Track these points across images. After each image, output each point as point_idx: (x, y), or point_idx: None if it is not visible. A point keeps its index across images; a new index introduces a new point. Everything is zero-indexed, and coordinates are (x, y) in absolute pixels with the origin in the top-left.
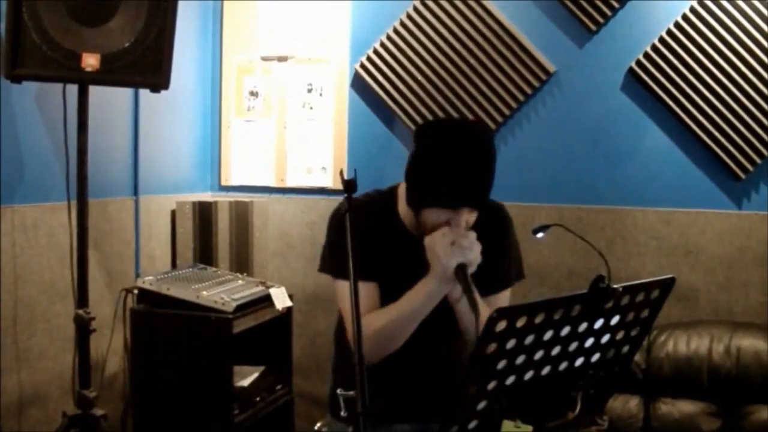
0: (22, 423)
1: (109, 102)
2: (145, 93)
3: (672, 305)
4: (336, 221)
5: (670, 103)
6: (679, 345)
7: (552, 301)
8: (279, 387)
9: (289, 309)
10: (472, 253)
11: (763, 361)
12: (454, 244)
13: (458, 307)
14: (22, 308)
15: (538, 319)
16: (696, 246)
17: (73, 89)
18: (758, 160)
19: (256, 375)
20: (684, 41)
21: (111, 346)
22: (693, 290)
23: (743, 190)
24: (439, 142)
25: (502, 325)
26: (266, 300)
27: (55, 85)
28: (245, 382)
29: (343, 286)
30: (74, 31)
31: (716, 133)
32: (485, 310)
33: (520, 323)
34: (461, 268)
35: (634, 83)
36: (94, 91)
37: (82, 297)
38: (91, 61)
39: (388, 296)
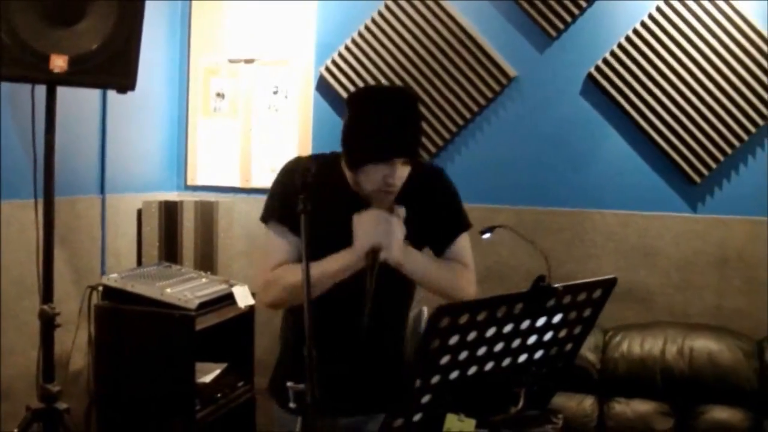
0: None
1: (78, 102)
2: (113, 93)
3: (628, 306)
4: (280, 171)
5: (628, 108)
6: (634, 346)
7: (494, 299)
8: (241, 384)
9: (252, 307)
10: (391, 237)
11: (716, 362)
12: (377, 226)
13: (412, 277)
14: None
15: (481, 317)
16: (653, 248)
17: (41, 89)
18: (713, 165)
19: (218, 372)
20: (642, 47)
21: (76, 342)
22: (649, 292)
23: (699, 194)
24: (366, 103)
25: (445, 322)
26: (230, 298)
27: (24, 84)
28: (207, 379)
29: (268, 232)
30: (44, 32)
31: (673, 138)
32: (450, 272)
33: (462, 320)
34: (374, 252)
35: (593, 88)
36: (63, 90)
37: (47, 292)
38: (59, 63)
39: (327, 251)
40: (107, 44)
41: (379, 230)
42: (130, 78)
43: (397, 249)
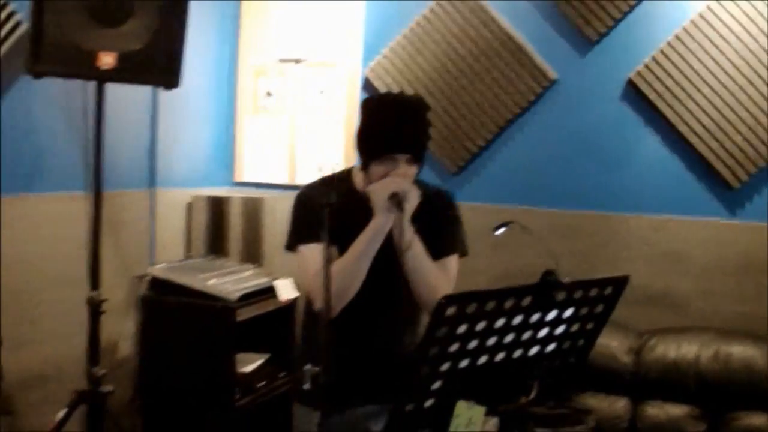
0: (38, 398)
1: (129, 98)
2: (163, 90)
3: (662, 311)
4: (296, 200)
5: (667, 113)
6: (668, 350)
7: (502, 290)
8: (282, 375)
9: (294, 300)
10: (405, 184)
11: (751, 368)
12: (392, 182)
13: (407, 264)
14: (41, 292)
15: (489, 307)
16: (686, 254)
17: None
18: (752, 170)
19: (259, 362)
20: (683, 53)
21: (123, 331)
22: (683, 297)
23: (736, 199)
24: (377, 106)
25: (451, 311)
26: (272, 291)
27: (77, 80)
28: (248, 369)
29: (301, 252)
30: (92, 31)
31: (712, 142)
32: (437, 272)
33: (470, 309)
34: (394, 196)
35: (633, 93)
36: (114, 87)
37: (94, 280)
38: (107, 60)
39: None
40: (153, 42)
41: (396, 182)
42: (175, 75)
43: (414, 197)
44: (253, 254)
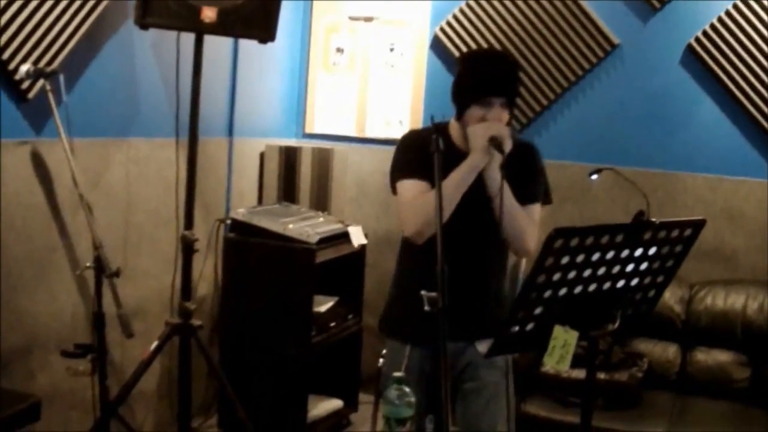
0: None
1: (212, 52)
2: (244, 44)
3: (713, 265)
4: (401, 141)
5: (724, 77)
6: (717, 300)
7: (601, 227)
8: (350, 317)
9: (363, 247)
10: (502, 129)
11: None
12: (491, 126)
13: (498, 207)
14: (131, 231)
15: (588, 241)
16: (739, 211)
17: (186, 38)
18: None
19: (331, 303)
20: (740, 21)
21: (203, 272)
22: (734, 252)
23: None
24: (475, 56)
25: (559, 243)
26: (344, 236)
27: (170, 33)
28: (322, 309)
29: (400, 185)
30: None
31: (765, 107)
32: (525, 216)
33: (573, 243)
34: (493, 139)
35: (692, 58)
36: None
37: (189, 221)
38: (209, 14)
39: None
40: None
41: (496, 126)
42: (271, 30)
43: (509, 143)
44: (321, 202)
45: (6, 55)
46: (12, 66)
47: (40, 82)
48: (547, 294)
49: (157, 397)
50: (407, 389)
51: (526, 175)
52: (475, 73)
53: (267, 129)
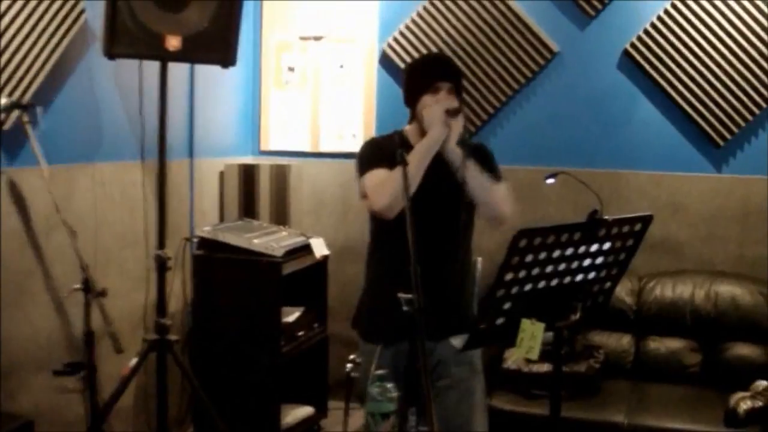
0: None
1: (172, 76)
2: (199, 68)
3: (660, 256)
4: (364, 145)
5: (659, 79)
6: (666, 290)
7: (560, 226)
8: (316, 325)
9: (325, 257)
10: (454, 103)
11: (738, 305)
12: (441, 102)
13: (470, 183)
14: (100, 253)
15: (550, 240)
16: (682, 205)
17: (148, 64)
18: (735, 130)
19: (298, 314)
20: (672, 26)
21: (172, 289)
22: (679, 244)
23: (722, 156)
24: (417, 59)
25: (523, 242)
26: (306, 248)
27: (132, 61)
28: (290, 319)
29: (368, 176)
30: (159, 15)
31: (699, 106)
32: (488, 181)
33: (536, 242)
34: (448, 111)
35: (629, 62)
36: (156, 66)
37: (161, 240)
38: (174, 43)
39: None
40: (212, 25)
41: (446, 102)
42: (232, 54)
43: (461, 118)
44: (281, 217)
45: None
46: None
47: (14, 113)
48: (515, 290)
49: (134, 413)
50: (389, 385)
51: (485, 164)
52: (420, 66)
53: (225, 148)
